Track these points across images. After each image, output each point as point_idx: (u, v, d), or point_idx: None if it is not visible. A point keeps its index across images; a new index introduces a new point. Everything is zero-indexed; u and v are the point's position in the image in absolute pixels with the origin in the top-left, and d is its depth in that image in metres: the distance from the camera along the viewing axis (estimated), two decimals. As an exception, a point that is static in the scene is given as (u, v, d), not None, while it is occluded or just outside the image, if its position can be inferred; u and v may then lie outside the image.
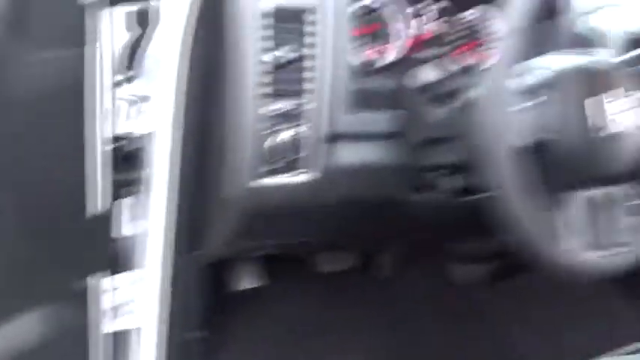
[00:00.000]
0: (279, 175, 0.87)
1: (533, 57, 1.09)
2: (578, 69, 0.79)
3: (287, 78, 0.85)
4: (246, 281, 1.32)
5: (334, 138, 0.90)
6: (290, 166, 0.87)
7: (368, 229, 1.08)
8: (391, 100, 0.94)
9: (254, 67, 0.83)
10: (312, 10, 0.85)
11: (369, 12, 1.00)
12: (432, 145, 0.91)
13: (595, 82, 0.78)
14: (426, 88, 0.81)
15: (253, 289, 1.33)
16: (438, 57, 1.07)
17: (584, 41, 1.06)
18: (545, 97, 0.76)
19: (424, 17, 1.05)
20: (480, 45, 1.11)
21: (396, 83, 0.95)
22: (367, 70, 1.01)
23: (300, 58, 0.85)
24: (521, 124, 0.73)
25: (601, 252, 0.78)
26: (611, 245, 0.79)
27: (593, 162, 0.78)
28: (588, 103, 0.76)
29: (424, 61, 1.05)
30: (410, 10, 1.03)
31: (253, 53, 0.83)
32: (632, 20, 1.09)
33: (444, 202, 0.96)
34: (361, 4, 0.98)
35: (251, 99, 0.84)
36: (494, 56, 1.09)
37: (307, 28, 0.85)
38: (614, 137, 0.77)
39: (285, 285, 1.44)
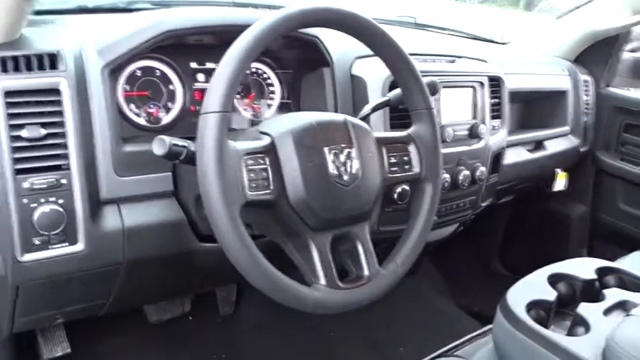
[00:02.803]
0: (51, 248, 0.89)
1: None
2: (317, 123, 0.86)
3: (42, 154, 0.87)
4: (54, 349, 1.31)
5: (100, 205, 0.93)
6: (58, 239, 0.89)
7: (162, 282, 1.12)
8: (163, 161, 0.99)
9: (4, 145, 0.84)
10: (55, 90, 0.88)
11: (140, 77, 1.06)
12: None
13: (332, 134, 0.86)
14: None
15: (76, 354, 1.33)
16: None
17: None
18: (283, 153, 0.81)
19: (197, 76, 1.13)
20: (259, 95, 1.21)
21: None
22: (153, 127, 1.07)
23: (53, 135, 0.88)
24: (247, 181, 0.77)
25: (346, 286, 0.84)
26: (355, 279, 0.87)
27: (336, 205, 0.85)
28: (327, 152, 0.84)
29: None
30: (181, 72, 1.10)
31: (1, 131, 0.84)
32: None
33: None
34: (128, 72, 1.04)
35: (6, 176, 0.85)
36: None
37: (54, 107, 0.88)
38: (349, 182, 0.86)
39: (117, 341, 1.45)
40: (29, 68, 0.87)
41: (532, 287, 1.14)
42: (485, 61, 1.51)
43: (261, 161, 0.80)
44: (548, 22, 1.94)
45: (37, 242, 0.88)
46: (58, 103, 0.89)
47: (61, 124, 0.89)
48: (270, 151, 0.81)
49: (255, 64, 1.21)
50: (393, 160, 0.94)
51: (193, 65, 1.12)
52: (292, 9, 0.81)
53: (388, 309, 1.71)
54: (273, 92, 1.23)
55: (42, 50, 0.89)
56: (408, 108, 0.98)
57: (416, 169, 0.96)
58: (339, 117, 0.90)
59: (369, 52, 1.24)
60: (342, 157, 0.85)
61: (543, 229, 2.08)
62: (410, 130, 0.98)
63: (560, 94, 1.81)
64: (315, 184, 0.82)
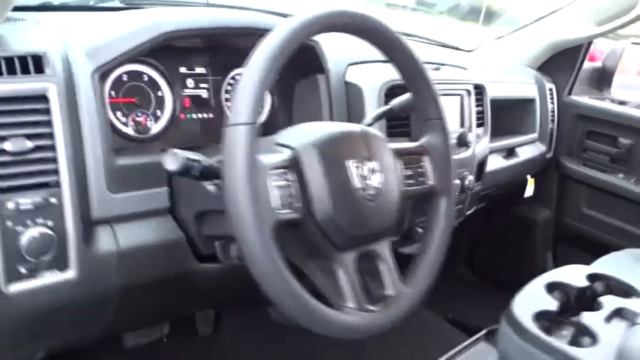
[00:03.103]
0: (39, 276, 0.78)
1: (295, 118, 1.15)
2: (339, 134, 0.80)
3: (28, 170, 0.76)
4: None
5: (92, 226, 0.84)
6: (48, 265, 0.78)
7: (156, 306, 1.02)
8: (158, 175, 0.90)
9: None
10: (43, 97, 0.78)
11: (126, 82, 0.97)
12: (206, 218, 0.90)
13: (353, 145, 0.81)
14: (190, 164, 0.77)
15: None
16: (209, 120, 1.08)
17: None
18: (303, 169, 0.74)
19: (187, 82, 1.04)
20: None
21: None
22: (142, 137, 0.98)
23: (40, 148, 0.78)
24: (279, 199, 0.71)
25: (375, 308, 0.79)
26: (380, 300, 0.82)
27: (362, 221, 0.80)
28: (350, 165, 0.78)
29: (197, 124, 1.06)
30: (170, 77, 1.02)
31: None
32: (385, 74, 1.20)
33: (227, 267, 0.96)
34: (114, 77, 0.94)
35: None
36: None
37: (41, 116, 0.78)
38: (373, 196, 0.80)
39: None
40: (11, 72, 0.77)
41: (534, 297, 1.13)
42: (465, 69, 1.50)
43: (286, 177, 0.73)
44: (511, 32, 1.98)
45: (23, 271, 0.77)
46: (46, 111, 0.78)
47: (50, 136, 0.78)
48: (295, 165, 0.75)
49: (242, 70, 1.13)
50: (408, 172, 0.90)
51: (182, 70, 1.04)
52: (318, 12, 0.76)
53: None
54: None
55: (25, 51, 0.79)
56: (419, 118, 0.95)
57: (430, 181, 0.93)
58: (356, 127, 0.85)
59: (361, 58, 1.22)
60: (365, 171, 0.80)
61: (509, 234, 2.12)
62: (422, 141, 0.94)
63: (528, 102, 1.84)
64: (342, 200, 0.76)
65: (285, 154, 0.75)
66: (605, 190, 1.86)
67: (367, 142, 0.83)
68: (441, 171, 0.93)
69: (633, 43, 1.97)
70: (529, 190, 1.88)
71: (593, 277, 1.19)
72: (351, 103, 1.16)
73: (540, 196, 1.99)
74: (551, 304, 1.10)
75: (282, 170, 0.73)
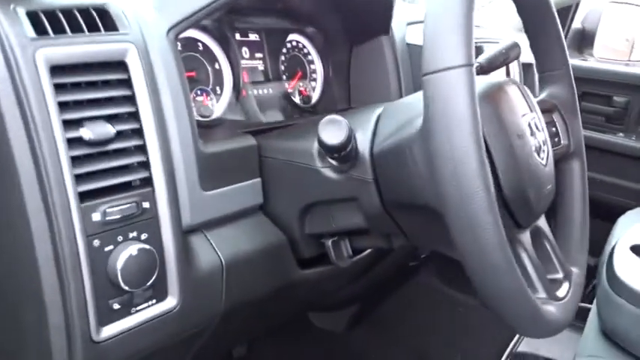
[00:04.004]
0: (134, 312, 0.57)
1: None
2: (499, 85, 0.63)
3: (113, 165, 0.55)
4: None
5: (185, 236, 0.63)
6: (144, 296, 0.57)
7: (251, 324, 0.83)
8: (248, 164, 0.71)
9: (57, 154, 0.51)
10: (121, 63, 0.56)
11: (180, 52, 0.76)
12: (313, 212, 0.72)
13: (516, 100, 0.64)
14: (328, 147, 0.58)
15: None
16: (278, 93, 0.90)
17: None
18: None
19: (243, 52, 0.85)
20: (304, 75, 0.96)
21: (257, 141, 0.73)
22: (203, 121, 0.77)
23: (125, 134, 0.56)
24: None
25: (560, 294, 0.65)
26: (555, 285, 0.67)
27: (543, 190, 0.64)
28: (524, 122, 0.62)
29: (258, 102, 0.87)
30: (227, 46, 0.82)
31: (50, 131, 0.50)
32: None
33: (325, 272, 0.79)
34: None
35: (71, 205, 0.52)
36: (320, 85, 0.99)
37: (122, 90, 0.56)
38: (545, 159, 0.65)
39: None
40: (75, 29, 0.54)
41: (629, 263, 1.06)
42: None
43: None
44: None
45: (116, 306, 0.55)
46: (126, 83, 0.57)
47: (134, 117, 0.57)
48: None
49: (293, 36, 0.95)
50: None
51: (238, 37, 0.84)
52: None
53: (413, 317, 1.52)
54: (314, 71, 0.98)
55: (84, 3, 0.56)
56: (542, 70, 0.82)
57: (564, 141, 0.80)
58: (506, 79, 0.70)
59: (419, 17, 1.07)
60: (534, 128, 0.65)
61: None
62: (545, 95, 0.81)
63: (528, 67, 1.78)
64: (525, 167, 0.61)
65: None
66: (607, 150, 1.84)
67: (525, 93, 0.68)
68: (572, 128, 0.81)
69: (612, 2, 1.97)
70: (536, 158, 1.82)
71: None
72: (417, 68, 1.01)
73: (539, 164, 1.94)
74: (647, 266, 1.04)
75: None
